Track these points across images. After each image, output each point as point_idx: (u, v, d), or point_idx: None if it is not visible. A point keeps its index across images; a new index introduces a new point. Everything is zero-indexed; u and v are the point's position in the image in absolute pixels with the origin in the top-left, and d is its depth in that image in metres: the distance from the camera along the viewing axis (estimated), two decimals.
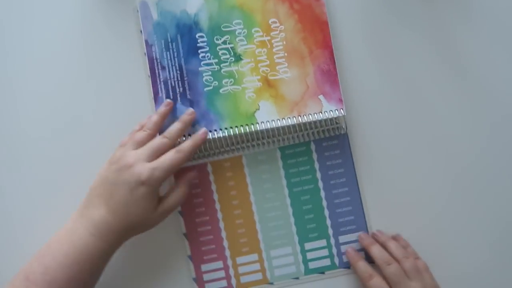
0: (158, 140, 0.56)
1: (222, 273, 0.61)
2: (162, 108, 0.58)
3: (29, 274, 0.52)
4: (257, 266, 0.61)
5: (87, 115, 0.61)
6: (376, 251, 0.59)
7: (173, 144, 0.56)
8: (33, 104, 0.61)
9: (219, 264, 0.61)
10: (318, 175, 0.62)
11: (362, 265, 0.59)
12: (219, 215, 0.61)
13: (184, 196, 0.57)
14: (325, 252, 0.61)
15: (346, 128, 0.61)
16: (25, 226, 0.61)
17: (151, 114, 0.59)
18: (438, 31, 0.62)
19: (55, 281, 0.52)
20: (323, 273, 0.61)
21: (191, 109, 0.59)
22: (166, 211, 0.56)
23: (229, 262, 0.61)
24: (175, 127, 0.57)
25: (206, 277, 0.61)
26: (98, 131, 0.61)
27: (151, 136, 0.57)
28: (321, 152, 0.62)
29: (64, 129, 0.61)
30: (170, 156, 0.55)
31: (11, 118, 0.61)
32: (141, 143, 0.56)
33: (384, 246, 0.60)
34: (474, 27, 0.62)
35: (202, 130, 0.58)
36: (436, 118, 0.62)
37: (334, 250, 0.61)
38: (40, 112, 0.61)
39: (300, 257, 0.61)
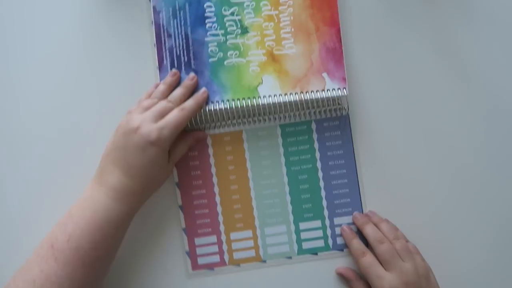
0: (163, 104, 0.56)
1: (215, 248, 0.60)
2: (169, 78, 0.58)
3: (54, 243, 0.52)
4: (250, 243, 0.61)
5: (91, 82, 0.61)
6: (369, 230, 0.59)
7: None
8: (39, 68, 0.61)
9: (213, 238, 0.60)
10: (317, 155, 0.61)
11: (356, 243, 0.59)
12: (216, 189, 0.61)
13: (191, 143, 0.60)
14: (319, 233, 0.61)
15: (348, 109, 0.61)
16: (27, 219, 0.61)
17: (158, 83, 0.59)
18: (442, 23, 0.63)
19: (81, 247, 0.51)
20: (316, 254, 0.61)
21: (192, 74, 0.59)
22: (177, 159, 0.58)
23: (223, 237, 0.60)
24: (178, 92, 0.57)
25: (199, 251, 0.60)
26: (103, 98, 0.61)
27: None
28: (321, 132, 0.61)
29: (70, 97, 0.61)
30: (175, 114, 0.55)
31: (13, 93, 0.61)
32: (148, 109, 0.56)
33: (376, 227, 0.60)
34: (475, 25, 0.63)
35: (202, 89, 0.58)
36: (438, 108, 0.62)
37: (329, 232, 0.61)
38: (46, 79, 0.61)
39: (294, 237, 0.61)
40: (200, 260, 0.60)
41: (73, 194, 0.56)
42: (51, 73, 0.61)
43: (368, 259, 0.57)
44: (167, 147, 0.55)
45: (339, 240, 0.61)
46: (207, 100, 0.59)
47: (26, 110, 0.61)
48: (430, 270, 0.58)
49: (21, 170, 0.60)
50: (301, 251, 0.61)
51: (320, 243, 0.61)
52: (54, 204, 0.59)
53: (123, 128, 0.54)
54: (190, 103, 0.57)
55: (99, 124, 0.60)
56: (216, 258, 0.60)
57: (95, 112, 0.61)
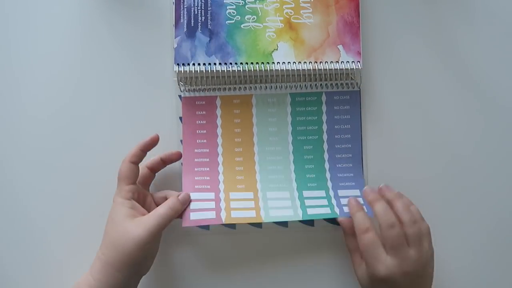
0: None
1: (212, 204, 0.58)
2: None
3: None
4: (251, 204, 0.58)
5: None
6: (380, 209, 0.54)
7: None
8: (45, 58, 0.62)
9: (211, 195, 0.59)
10: (324, 127, 0.61)
11: (360, 216, 0.55)
12: (220, 149, 0.60)
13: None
14: (324, 202, 0.59)
15: (361, 82, 0.61)
16: (26, 223, 0.61)
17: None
18: (444, 26, 0.63)
19: None
20: (312, 226, 0.60)
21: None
22: None
23: (222, 195, 0.59)
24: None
25: (193, 205, 0.57)
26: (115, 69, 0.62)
27: None
28: (331, 104, 0.61)
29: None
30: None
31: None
32: None
33: (390, 204, 0.55)
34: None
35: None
36: (447, 95, 0.62)
37: (334, 201, 0.59)
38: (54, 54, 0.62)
39: (297, 203, 0.59)
40: (193, 216, 0.57)
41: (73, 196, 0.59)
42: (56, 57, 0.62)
43: (370, 237, 0.53)
44: None
45: (346, 209, 0.58)
46: (220, 61, 0.59)
47: (27, 110, 0.61)
48: (432, 256, 0.54)
49: (21, 169, 0.61)
50: (305, 216, 0.57)
51: (326, 210, 0.58)
52: (54, 206, 0.60)
53: None
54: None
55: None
56: (212, 215, 0.57)
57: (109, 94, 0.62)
